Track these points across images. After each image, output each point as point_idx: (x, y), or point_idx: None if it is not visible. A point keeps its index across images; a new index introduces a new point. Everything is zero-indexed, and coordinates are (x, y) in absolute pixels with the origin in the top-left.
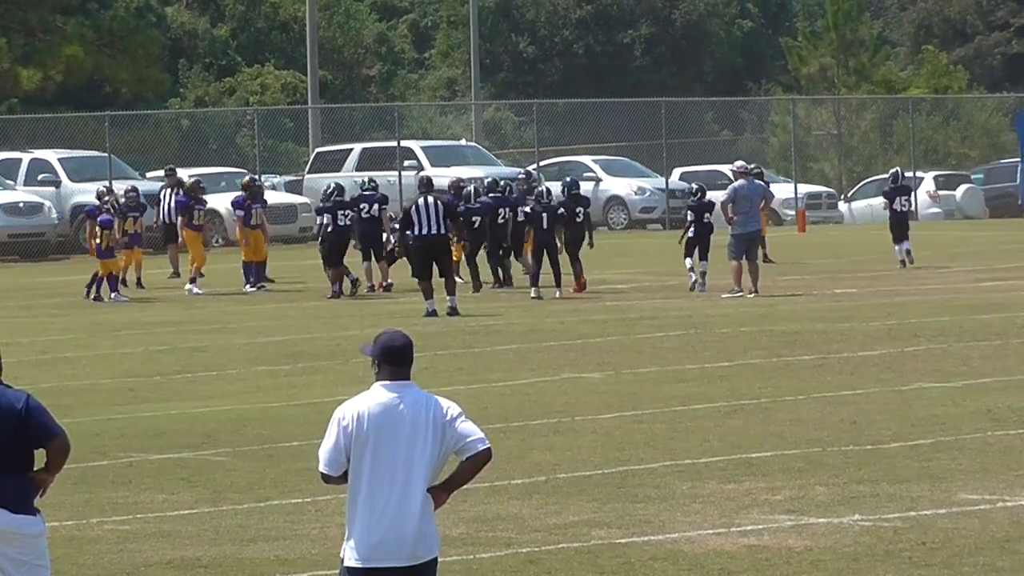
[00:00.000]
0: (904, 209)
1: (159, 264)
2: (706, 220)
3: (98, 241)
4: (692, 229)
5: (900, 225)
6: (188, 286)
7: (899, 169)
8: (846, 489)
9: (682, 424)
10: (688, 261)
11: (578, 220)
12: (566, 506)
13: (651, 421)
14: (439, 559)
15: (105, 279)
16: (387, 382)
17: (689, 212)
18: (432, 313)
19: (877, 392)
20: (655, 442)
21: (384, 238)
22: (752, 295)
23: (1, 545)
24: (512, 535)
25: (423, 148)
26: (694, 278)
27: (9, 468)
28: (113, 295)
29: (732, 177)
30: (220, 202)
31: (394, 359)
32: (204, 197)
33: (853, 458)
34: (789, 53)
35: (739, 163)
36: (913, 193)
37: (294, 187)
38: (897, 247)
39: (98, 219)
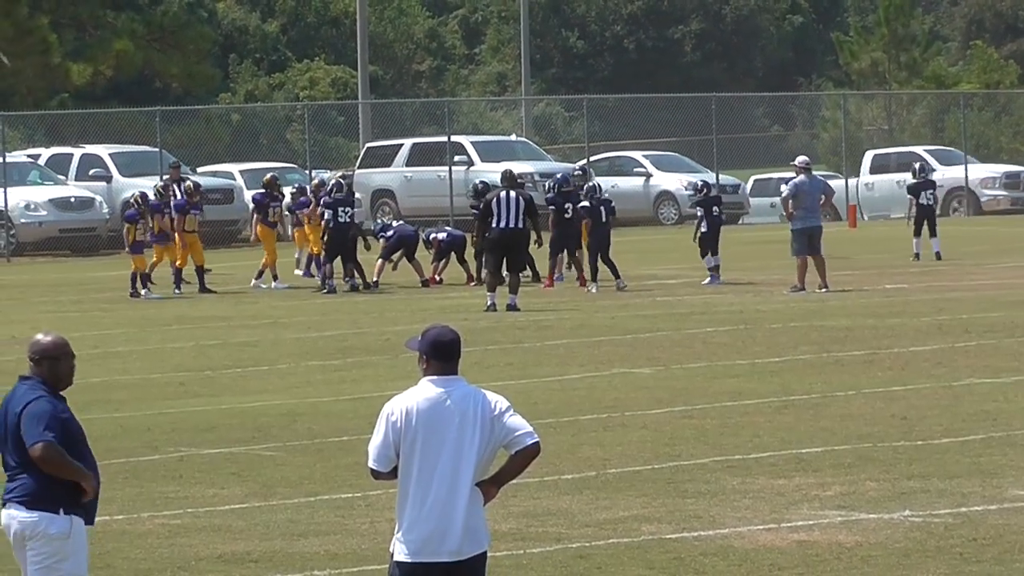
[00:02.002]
0: (929, 203)
1: (215, 259)
2: (715, 214)
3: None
4: (705, 225)
5: (926, 218)
6: (254, 281)
7: (923, 163)
8: (897, 485)
9: (732, 419)
10: (706, 260)
11: (566, 216)
12: (616, 501)
13: (701, 416)
14: (489, 554)
15: (138, 275)
16: (435, 377)
17: (698, 208)
18: (492, 307)
19: (928, 388)
20: (705, 437)
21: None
22: (822, 290)
23: (25, 541)
24: (562, 530)
25: (473, 143)
26: (711, 276)
27: (27, 469)
28: (144, 291)
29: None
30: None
31: (443, 354)
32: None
33: (904, 454)
34: (840, 48)
35: (801, 158)
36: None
37: None
38: (916, 240)
39: (124, 214)
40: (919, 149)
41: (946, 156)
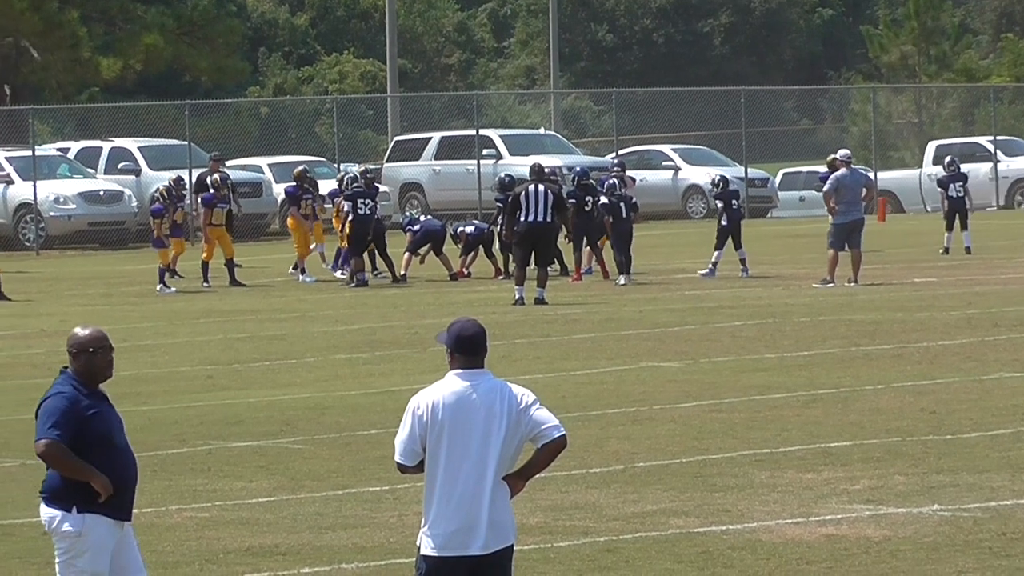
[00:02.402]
0: (959, 195)
1: (244, 253)
2: (734, 207)
3: (153, 231)
4: (724, 219)
5: (956, 212)
6: (292, 271)
7: (953, 156)
8: (925, 479)
9: (760, 413)
10: (716, 253)
11: (586, 209)
12: (644, 495)
13: (729, 410)
14: (516, 547)
15: (166, 269)
16: (460, 371)
17: (717, 202)
18: (520, 301)
19: (957, 381)
20: (733, 431)
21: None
22: (851, 284)
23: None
24: (590, 524)
25: (502, 137)
26: (710, 269)
27: None
28: (159, 287)
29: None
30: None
31: (466, 348)
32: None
33: (933, 448)
34: (870, 41)
35: (843, 152)
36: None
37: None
38: (948, 234)
39: (151, 208)
40: (983, 140)
41: (1010, 146)
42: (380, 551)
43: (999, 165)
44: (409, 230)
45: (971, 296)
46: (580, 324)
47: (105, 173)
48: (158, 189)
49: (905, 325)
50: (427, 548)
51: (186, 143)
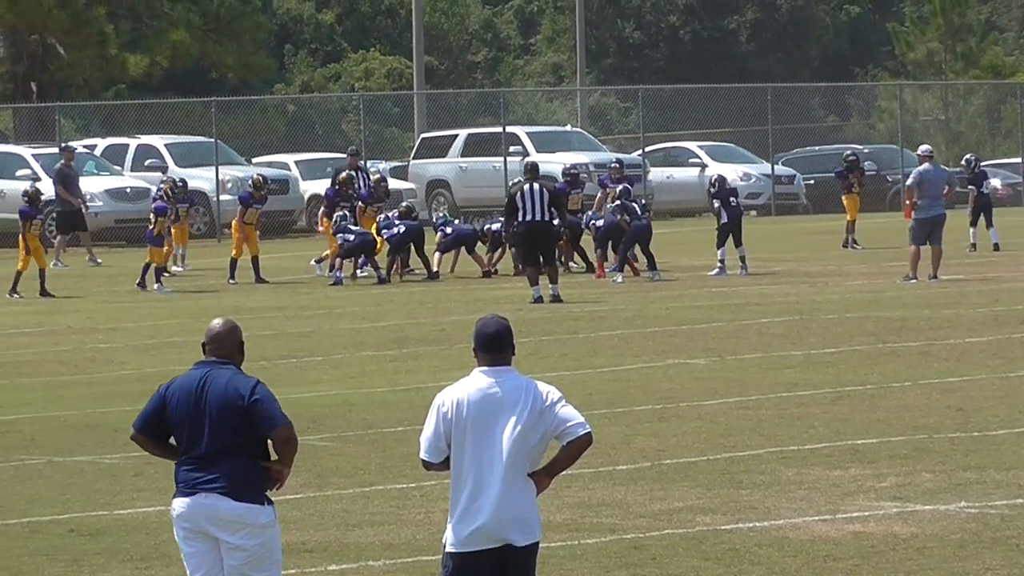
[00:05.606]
0: (986, 193)
1: (270, 250)
2: (733, 204)
3: (151, 227)
4: (724, 216)
5: (983, 209)
6: (314, 263)
7: (972, 156)
8: (953, 476)
9: (787, 410)
10: (720, 251)
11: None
12: (671, 492)
13: (756, 407)
14: (543, 544)
15: (152, 268)
16: (485, 368)
17: (715, 201)
18: (538, 300)
19: (984, 379)
20: (760, 428)
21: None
22: (932, 279)
23: (222, 532)
24: (617, 521)
25: (528, 134)
26: (719, 268)
27: (227, 457)
28: (156, 286)
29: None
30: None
31: (487, 346)
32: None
33: (960, 445)
34: (896, 38)
35: (924, 147)
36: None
37: (399, 173)
38: (972, 230)
39: (153, 206)
40: None
41: None
42: (407, 548)
43: None
44: (441, 230)
45: (998, 293)
46: (607, 321)
47: (132, 170)
48: (160, 188)
49: (932, 322)
50: (452, 545)
51: (213, 140)
